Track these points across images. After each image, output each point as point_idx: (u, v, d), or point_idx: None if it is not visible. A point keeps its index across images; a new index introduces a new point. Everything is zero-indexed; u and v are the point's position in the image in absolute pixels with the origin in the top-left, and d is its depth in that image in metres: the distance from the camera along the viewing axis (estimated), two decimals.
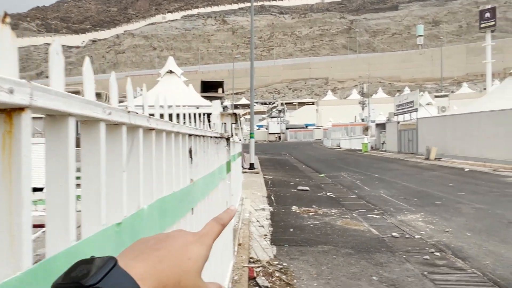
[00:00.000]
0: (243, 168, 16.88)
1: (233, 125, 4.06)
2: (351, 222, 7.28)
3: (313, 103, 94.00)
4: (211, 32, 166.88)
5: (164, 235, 0.43)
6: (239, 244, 5.13)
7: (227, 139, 3.52)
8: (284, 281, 4.12)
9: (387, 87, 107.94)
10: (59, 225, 0.62)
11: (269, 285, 3.96)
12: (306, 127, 78.13)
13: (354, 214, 8.01)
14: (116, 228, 0.80)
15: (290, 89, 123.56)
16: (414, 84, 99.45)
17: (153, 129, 1.10)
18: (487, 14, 31.49)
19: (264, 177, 14.80)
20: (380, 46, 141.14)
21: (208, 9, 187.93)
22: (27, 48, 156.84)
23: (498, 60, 69.28)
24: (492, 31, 32.14)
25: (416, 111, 27.87)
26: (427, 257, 5.17)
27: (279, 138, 74.43)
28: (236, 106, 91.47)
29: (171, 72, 13.63)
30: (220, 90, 15.16)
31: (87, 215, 0.74)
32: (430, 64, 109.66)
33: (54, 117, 0.63)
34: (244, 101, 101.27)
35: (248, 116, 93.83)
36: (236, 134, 6.53)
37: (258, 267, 4.42)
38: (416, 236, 6.22)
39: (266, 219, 7.38)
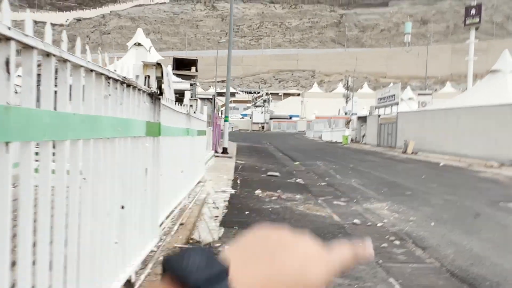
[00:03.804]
0: (216, 152, 16.36)
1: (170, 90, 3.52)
2: (313, 207, 6.87)
3: (298, 95, 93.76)
4: (200, 18, 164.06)
5: (290, 238, 0.38)
6: (181, 224, 4.64)
7: (151, 95, 2.99)
8: None
9: (372, 82, 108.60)
10: None
11: None
12: (290, 118, 77.91)
13: (319, 201, 7.61)
14: None
15: (276, 79, 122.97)
16: (399, 81, 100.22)
17: None
18: (473, 11, 31.50)
19: (236, 162, 14.31)
20: (369, 42, 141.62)
21: None
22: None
23: (482, 61, 70.22)
24: (477, 29, 32.21)
25: (397, 105, 27.77)
26: (385, 245, 4.79)
27: (263, 128, 74.04)
28: (220, 94, 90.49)
29: (139, 44, 12.93)
30: (193, 68, 14.51)
31: None
32: (415, 62, 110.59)
33: None
34: (230, 89, 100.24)
35: (234, 105, 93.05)
36: (191, 106, 5.99)
37: None
38: (378, 224, 5.86)
39: (224, 201, 6.90)
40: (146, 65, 2.90)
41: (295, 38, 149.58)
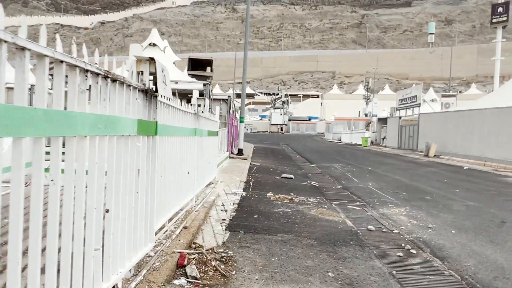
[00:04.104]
0: (232, 153, 16.22)
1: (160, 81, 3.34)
2: (326, 212, 6.59)
3: (317, 96, 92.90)
4: (220, 20, 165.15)
5: None
6: (185, 227, 4.47)
7: (145, 92, 2.82)
8: (220, 271, 3.45)
9: (394, 84, 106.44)
10: None
11: (198, 275, 3.29)
12: (309, 119, 77.25)
13: (333, 205, 7.32)
14: None
15: (296, 81, 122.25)
16: (422, 83, 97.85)
17: None
18: (500, 9, 30.22)
19: (251, 164, 14.11)
20: (390, 43, 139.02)
21: None
22: (35, 27, 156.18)
23: (510, 62, 67.58)
24: (504, 27, 30.88)
25: (419, 106, 26.94)
26: (401, 254, 4.48)
27: (281, 129, 73.65)
28: (238, 95, 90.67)
29: (154, 45, 12.89)
30: (208, 68, 14.38)
31: None
32: (439, 63, 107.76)
33: None
34: (249, 90, 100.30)
35: (252, 106, 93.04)
36: (199, 105, 5.82)
37: (194, 253, 3.75)
38: (394, 231, 5.53)
39: (233, 203, 6.70)
40: (139, 60, 2.74)
41: (315, 40, 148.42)
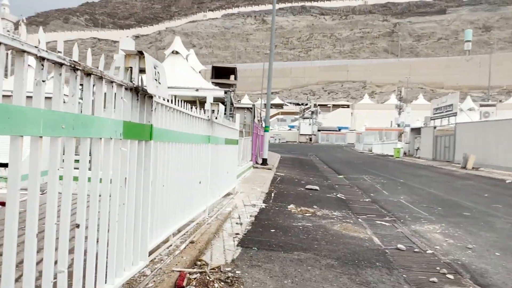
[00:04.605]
0: (257, 163, 15.85)
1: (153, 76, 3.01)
2: (351, 227, 6.04)
3: (348, 106, 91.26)
4: (250, 31, 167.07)
5: None
6: (191, 242, 4.10)
7: (135, 90, 2.50)
8: None
9: (428, 93, 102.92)
10: None
11: None
12: (339, 130, 75.84)
13: (359, 219, 6.75)
14: None
15: (325, 91, 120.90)
16: (459, 92, 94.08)
17: None
18: None
19: (275, 174, 13.67)
20: (424, 51, 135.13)
21: (249, 8, 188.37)
22: (75, 41, 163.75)
23: None
24: None
25: (455, 116, 25.55)
26: (435, 279, 3.89)
27: (310, 139, 72.69)
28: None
29: (176, 52, 12.84)
30: (232, 76, 14.17)
31: None
32: (477, 71, 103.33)
33: None
34: (277, 101, 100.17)
35: (281, 116, 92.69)
36: (219, 115, 5.49)
37: (196, 272, 3.36)
38: (427, 251, 4.92)
39: (250, 216, 6.29)
40: (127, 55, 2.43)
41: (345, 49, 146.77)
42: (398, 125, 50.97)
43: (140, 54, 2.43)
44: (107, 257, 2.26)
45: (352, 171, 17.61)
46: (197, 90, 9.90)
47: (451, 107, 26.31)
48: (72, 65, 1.80)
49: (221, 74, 14.06)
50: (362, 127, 63.44)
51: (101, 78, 2.09)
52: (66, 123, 1.76)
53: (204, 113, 5.10)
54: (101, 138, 2.12)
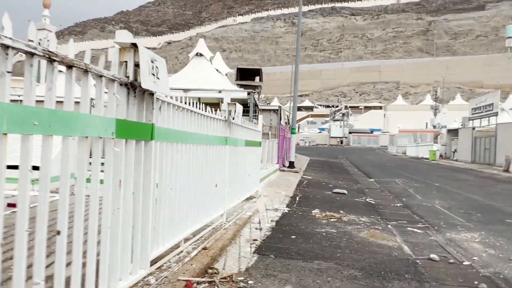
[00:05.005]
0: (284, 166, 15.54)
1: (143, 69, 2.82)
2: (379, 234, 5.63)
3: (380, 108, 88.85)
4: (279, 34, 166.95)
5: None
6: (204, 248, 3.89)
7: (131, 86, 2.32)
8: None
9: (466, 93, 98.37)
10: None
11: None
12: (371, 132, 73.92)
13: (389, 226, 6.32)
14: None
15: (357, 92, 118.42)
16: (500, 90, 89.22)
17: None
18: None
19: (302, 177, 13.30)
20: (461, 49, 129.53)
21: (278, 12, 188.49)
22: (110, 49, 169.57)
23: None
24: None
25: (496, 115, 24.06)
26: None
27: (341, 142, 71.31)
28: (298, 108, 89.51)
29: (200, 55, 12.79)
30: (257, 78, 13.94)
31: None
32: None
33: None
34: (307, 103, 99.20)
35: (311, 119, 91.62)
36: (237, 115, 5.28)
37: (204, 282, 3.15)
38: (464, 262, 4.46)
39: (272, 221, 6.02)
40: (122, 48, 2.26)
41: (377, 49, 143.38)
42: (434, 127, 48.91)
43: (135, 46, 2.25)
44: (97, 267, 2.08)
45: (383, 174, 16.93)
46: (219, 91, 9.78)
47: (492, 107, 24.82)
48: (47, 56, 1.62)
49: (246, 75, 13.92)
50: (396, 129, 61.45)
51: (86, 71, 1.92)
52: (39, 120, 1.59)
53: (214, 112, 4.91)
54: (87, 137, 1.94)
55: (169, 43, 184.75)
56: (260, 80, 14.65)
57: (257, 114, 10.26)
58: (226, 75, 16.58)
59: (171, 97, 3.18)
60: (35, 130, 1.58)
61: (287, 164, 15.59)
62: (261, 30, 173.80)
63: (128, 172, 2.38)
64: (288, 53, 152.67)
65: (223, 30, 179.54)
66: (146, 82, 2.28)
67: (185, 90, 9.32)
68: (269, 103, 67.82)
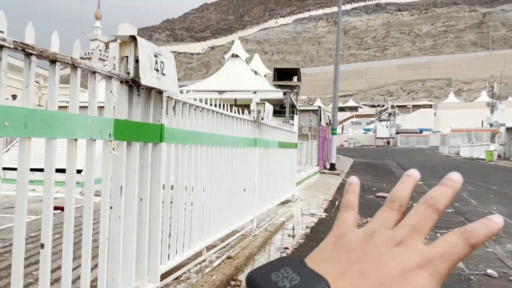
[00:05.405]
0: (325, 168, 15.02)
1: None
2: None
3: (430, 106, 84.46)
4: (322, 34, 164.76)
5: (374, 245, 0.30)
6: (228, 258, 3.65)
7: (135, 83, 2.12)
8: None
9: None
10: None
11: None
12: (421, 132, 70.37)
13: (438, 234, 5.70)
14: None
15: (404, 90, 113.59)
16: None
17: None
18: None
19: (343, 180, 12.72)
20: None
21: (320, 11, 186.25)
22: None
23: None
24: None
25: None
26: None
27: (388, 143, 68.57)
28: (342, 109, 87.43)
29: (236, 56, 12.63)
30: (295, 78, 13.53)
31: None
32: None
33: None
34: (351, 103, 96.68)
35: (356, 119, 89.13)
36: (267, 115, 5.01)
37: None
38: None
39: (306, 227, 5.66)
40: (123, 43, 2.06)
41: (426, 45, 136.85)
42: (491, 125, 45.49)
43: (134, 39, 2.04)
44: (91, 283, 1.88)
45: (434, 177, 15.76)
46: (254, 92, 9.56)
47: None
48: (20, 48, 1.44)
49: (284, 76, 13.61)
50: (447, 128, 57.96)
51: (75, 67, 1.73)
52: (11, 120, 1.41)
53: (249, 113, 4.66)
54: (76, 140, 1.75)
55: (212, 48, 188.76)
56: (298, 79, 14.25)
57: (293, 114, 9.92)
58: (264, 76, 16.37)
59: (192, 98, 2.97)
60: (5, 132, 1.41)
61: (328, 166, 15.05)
62: (303, 31, 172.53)
63: (131, 177, 2.18)
64: (331, 53, 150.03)
65: (264, 32, 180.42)
66: (146, 78, 2.06)
67: (220, 92, 9.23)
68: (312, 104, 66.85)
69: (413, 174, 0.35)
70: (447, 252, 0.28)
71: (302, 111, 13.28)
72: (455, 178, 0.31)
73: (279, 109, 11.22)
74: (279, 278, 0.26)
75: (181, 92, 3.08)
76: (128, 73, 2.10)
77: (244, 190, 4.57)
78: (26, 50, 1.48)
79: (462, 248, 0.29)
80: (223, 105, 3.76)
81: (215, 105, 3.58)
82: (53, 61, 1.63)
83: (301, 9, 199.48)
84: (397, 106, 78.66)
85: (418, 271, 0.27)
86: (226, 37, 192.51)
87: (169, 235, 2.83)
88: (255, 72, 14.48)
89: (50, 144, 1.64)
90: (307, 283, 0.25)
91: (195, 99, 3.16)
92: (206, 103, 3.36)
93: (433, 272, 0.28)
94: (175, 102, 2.81)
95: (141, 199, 2.33)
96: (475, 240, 0.29)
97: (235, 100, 9.87)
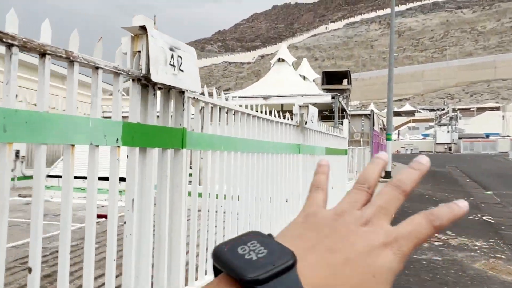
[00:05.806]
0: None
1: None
2: (502, 266, 4.33)
3: (497, 109, 77.85)
4: (374, 37, 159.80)
5: (342, 223, 0.31)
6: None
7: (147, 81, 1.87)
8: None
9: None
10: None
11: None
12: (487, 137, 64.98)
13: None
14: None
15: (467, 93, 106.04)
16: None
17: None
18: None
19: None
20: None
21: (372, 14, 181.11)
22: (209, 67, 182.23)
23: None
24: None
25: None
26: None
27: (450, 149, 64.13)
28: (398, 113, 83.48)
29: (282, 60, 12.26)
30: (345, 81, 12.87)
31: None
32: None
33: None
34: (408, 107, 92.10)
35: (413, 124, 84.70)
36: (311, 119, 4.61)
37: None
38: None
39: None
40: (135, 36, 1.82)
41: (490, 44, 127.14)
42: None
43: (145, 31, 1.78)
44: None
45: (505, 186, 14.23)
46: (302, 96, 9.16)
47: None
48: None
49: (333, 79, 13.05)
50: None
51: (71, 61, 1.50)
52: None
53: (291, 118, 4.30)
54: (73, 145, 1.51)
55: (262, 56, 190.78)
56: (349, 83, 13.57)
57: (343, 119, 9.37)
58: (313, 81, 15.88)
59: (225, 99, 2.69)
60: None
61: (383, 174, 14.11)
62: (355, 35, 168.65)
63: (145, 188, 1.92)
64: (385, 56, 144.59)
65: (314, 39, 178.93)
66: (158, 73, 1.79)
67: (265, 97, 8.96)
68: (365, 110, 64.55)
69: (382, 157, 0.36)
70: (412, 232, 0.30)
71: (353, 115, 12.57)
72: (423, 161, 0.34)
73: (328, 114, 10.69)
74: (245, 251, 0.26)
75: (226, 99, 2.82)
76: (140, 70, 1.84)
77: (287, 201, 4.19)
78: (4, 40, 1.25)
79: (426, 229, 0.30)
80: (265, 110, 3.46)
81: (256, 110, 3.29)
82: (42, 54, 1.40)
83: (352, 13, 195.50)
84: (459, 109, 73.50)
85: (383, 249, 0.29)
86: (276, 45, 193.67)
87: (197, 255, 2.54)
88: (304, 78, 14.05)
89: (38, 151, 1.40)
90: (274, 256, 0.25)
91: (239, 105, 2.88)
92: (251, 109, 3.07)
93: (397, 251, 0.29)
94: (204, 104, 2.53)
95: (160, 213, 2.06)
96: (439, 222, 0.30)
97: (282, 105, 9.53)
